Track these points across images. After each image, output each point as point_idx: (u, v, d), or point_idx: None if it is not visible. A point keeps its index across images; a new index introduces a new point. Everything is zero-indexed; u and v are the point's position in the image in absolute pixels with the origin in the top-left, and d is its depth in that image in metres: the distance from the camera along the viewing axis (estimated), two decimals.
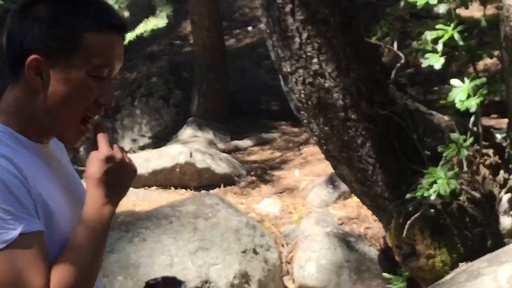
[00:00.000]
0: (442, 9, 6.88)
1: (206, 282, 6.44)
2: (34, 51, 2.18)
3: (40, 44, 2.19)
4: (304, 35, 5.88)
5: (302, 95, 5.91)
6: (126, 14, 13.14)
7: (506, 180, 6.26)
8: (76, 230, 2.25)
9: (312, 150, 10.50)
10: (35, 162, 2.28)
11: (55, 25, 2.21)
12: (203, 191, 8.51)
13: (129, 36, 11.61)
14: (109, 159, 2.21)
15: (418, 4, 6.20)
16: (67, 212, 2.30)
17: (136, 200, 8.43)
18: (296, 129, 12.37)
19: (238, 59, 14.70)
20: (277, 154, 11.40)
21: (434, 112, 6.70)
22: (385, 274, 6.76)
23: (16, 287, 2.16)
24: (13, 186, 2.16)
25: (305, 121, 6.17)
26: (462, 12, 6.87)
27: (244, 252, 6.94)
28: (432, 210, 6.11)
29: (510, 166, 6.25)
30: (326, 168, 8.05)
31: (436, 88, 11.36)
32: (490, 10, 7.78)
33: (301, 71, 5.89)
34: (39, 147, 2.34)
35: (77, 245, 2.21)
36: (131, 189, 2.35)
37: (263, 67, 14.09)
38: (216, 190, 9.22)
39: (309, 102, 5.89)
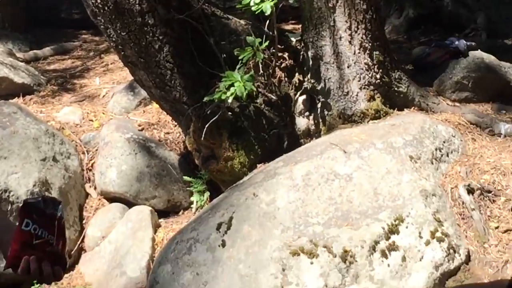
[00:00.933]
0: None
1: (5, 191, 6.22)
2: None
3: None
4: None
5: (99, 1, 5.69)
6: None
7: (301, 82, 6.39)
8: None
9: (113, 58, 10.36)
10: None
11: None
12: (1, 101, 8.16)
13: None
14: None
15: None
16: None
17: None
18: (97, 38, 12.17)
19: None
20: (78, 63, 11.14)
21: (230, 16, 6.68)
22: (186, 178, 6.77)
23: None
24: None
25: (102, 27, 5.98)
26: None
27: (43, 160, 6.75)
28: (230, 113, 6.14)
29: (305, 68, 6.37)
30: (127, 75, 7.95)
31: None
32: None
33: None
34: None
35: None
36: None
37: None
38: (15, 99, 8.87)
39: (106, 8, 5.70)
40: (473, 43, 7.34)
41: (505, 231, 5.34)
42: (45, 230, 2.67)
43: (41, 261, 2.67)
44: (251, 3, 5.80)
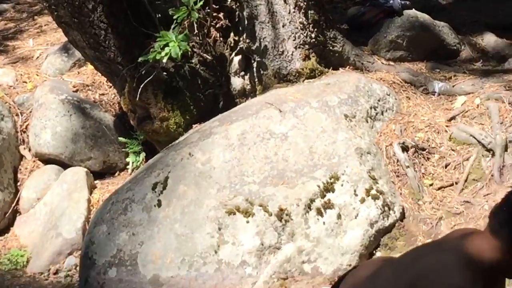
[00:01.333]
0: None
1: None
2: None
3: None
4: None
5: None
6: None
7: (236, 42, 6.35)
8: None
9: (47, 20, 10.15)
10: None
11: None
12: None
13: None
14: None
15: None
16: None
17: None
18: None
19: None
20: (11, 24, 10.90)
21: None
22: (121, 139, 6.74)
23: None
24: None
25: None
26: None
27: None
28: (165, 73, 6.11)
29: (240, 28, 6.32)
30: (61, 37, 7.82)
31: None
32: None
33: None
34: None
35: None
36: None
37: None
38: None
39: None
40: (408, 2, 7.37)
41: (439, 188, 5.42)
42: None
43: None
44: None
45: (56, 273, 5.77)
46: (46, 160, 6.93)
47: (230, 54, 6.39)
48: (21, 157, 7.03)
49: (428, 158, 5.65)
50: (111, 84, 6.89)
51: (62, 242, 5.90)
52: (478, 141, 5.60)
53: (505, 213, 2.82)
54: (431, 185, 5.45)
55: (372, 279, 3.18)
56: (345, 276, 3.46)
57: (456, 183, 5.42)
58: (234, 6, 6.41)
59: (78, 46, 6.31)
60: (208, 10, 6.17)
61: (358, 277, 3.30)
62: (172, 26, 5.98)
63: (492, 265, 2.80)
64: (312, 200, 5.16)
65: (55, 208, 6.32)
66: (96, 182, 6.65)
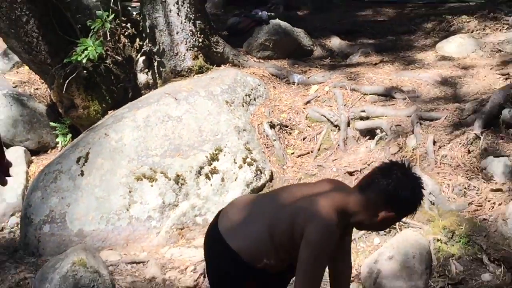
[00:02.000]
0: None
1: None
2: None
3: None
4: None
5: None
6: None
7: (141, 46, 6.43)
8: None
9: None
10: None
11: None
12: None
13: None
14: None
15: None
16: None
17: None
18: None
19: None
20: None
21: None
22: (52, 124, 6.60)
23: None
24: None
25: None
26: None
27: None
28: (85, 72, 6.14)
29: (144, 35, 6.37)
30: (1, 44, 7.57)
31: None
32: None
33: None
34: None
35: None
36: None
37: None
38: None
39: None
40: (273, 14, 7.39)
41: (299, 156, 5.48)
42: None
43: None
44: None
45: (1, 230, 5.63)
46: None
47: (136, 56, 6.42)
48: None
49: (290, 133, 5.69)
50: (43, 81, 6.78)
51: (6, 206, 5.77)
52: (327, 119, 5.65)
53: (369, 180, 2.87)
54: (292, 153, 5.48)
55: (250, 205, 3.12)
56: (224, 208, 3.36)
57: (312, 152, 5.46)
58: (138, 18, 6.43)
59: (16, 51, 6.29)
60: (118, 21, 6.22)
61: (236, 205, 3.24)
62: (90, 34, 6.00)
63: (351, 215, 2.86)
64: (201, 168, 5.19)
65: None
66: (32, 158, 6.49)
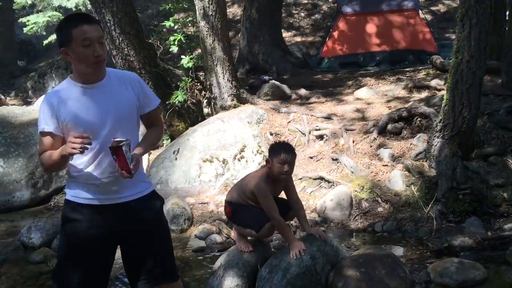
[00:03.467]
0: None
1: None
2: (61, 46, 1.99)
3: (61, 43, 1.99)
4: None
5: None
6: None
7: (205, 95, 6.18)
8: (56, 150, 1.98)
9: None
10: (76, 95, 2.01)
11: (60, 34, 1.99)
12: None
13: None
14: None
15: None
16: (86, 123, 1.98)
17: None
18: None
19: None
20: None
21: (177, 70, 6.53)
22: None
23: (38, 152, 2.06)
24: (48, 105, 1.99)
25: None
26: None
27: None
28: (177, 107, 5.92)
29: (206, 89, 6.12)
30: None
31: None
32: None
33: None
34: (85, 86, 2.02)
35: (53, 153, 2.00)
36: None
37: None
38: None
39: None
40: (271, 77, 7.37)
41: None
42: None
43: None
44: (184, 63, 5.85)
45: None
46: None
47: (203, 99, 6.30)
48: None
49: (280, 138, 5.43)
50: None
51: None
52: (299, 130, 5.46)
53: (269, 150, 2.96)
54: None
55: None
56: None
57: None
58: (202, 79, 6.37)
59: None
60: (193, 82, 6.19)
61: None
62: (179, 88, 5.98)
63: (270, 174, 2.90)
64: (236, 155, 5.10)
65: None
66: (150, 151, 6.08)
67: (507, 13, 5.93)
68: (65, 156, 1.93)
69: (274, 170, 2.86)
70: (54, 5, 9.44)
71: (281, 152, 2.85)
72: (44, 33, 9.80)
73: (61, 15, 9.69)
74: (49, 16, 9.49)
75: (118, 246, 2.15)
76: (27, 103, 8.82)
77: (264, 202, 2.87)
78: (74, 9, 9.61)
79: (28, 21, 9.59)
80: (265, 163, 2.96)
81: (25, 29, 9.77)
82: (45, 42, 9.85)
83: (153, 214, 2.15)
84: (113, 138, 1.97)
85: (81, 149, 1.88)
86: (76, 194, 2.05)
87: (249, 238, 3.09)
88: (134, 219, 2.07)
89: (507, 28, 5.89)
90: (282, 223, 2.90)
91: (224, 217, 4.00)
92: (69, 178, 2.09)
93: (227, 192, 3.36)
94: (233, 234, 3.61)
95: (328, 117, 5.73)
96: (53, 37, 9.85)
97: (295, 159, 2.92)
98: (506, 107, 4.97)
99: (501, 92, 5.54)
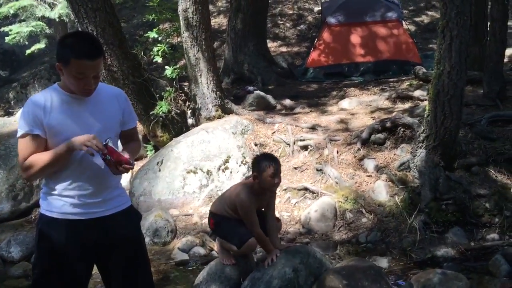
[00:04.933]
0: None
1: None
2: (57, 61, 1.97)
3: (58, 59, 1.97)
4: None
5: None
6: None
7: (189, 105, 6.13)
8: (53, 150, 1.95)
9: None
10: (63, 103, 1.99)
11: (60, 50, 1.96)
12: None
13: None
14: None
15: None
16: (70, 131, 1.95)
17: None
18: None
19: None
20: None
21: (161, 80, 6.45)
22: (145, 144, 6.22)
23: (20, 158, 1.99)
24: (34, 108, 1.96)
25: None
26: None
27: None
28: (161, 118, 5.88)
29: (190, 99, 6.08)
30: None
31: None
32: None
33: None
34: (73, 96, 2.00)
35: (45, 153, 1.96)
36: None
37: None
38: None
39: None
40: (256, 88, 7.28)
41: None
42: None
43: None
44: (168, 73, 5.81)
45: None
46: None
47: (187, 110, 6.26)
48: None
49: (265, 148, 5.43)
50: (140, 123, 6.36)
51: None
52: (284, 141, 5.45)
53: (255, 164, 2.96)
54: None
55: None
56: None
57: None
58: (187, 89, 6.30)
59: None
60: (177, 92, 6.14)
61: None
62: (163, 99, 5.90)
63: (257, 188, 2.90)
64: (220, 166, 5.08)
65: None
66: (134, 162, 6.16)
67: (488, 24, 6.03)
68: (71, 150, 1.92)
69: (265, 184, 2.88)
70: (37, 15, 9.35)
71: (270, 165, 2.85)
72: (27, 43, 9.68)
73: (44, 24, 9.59)
74: (32, 26, 9.38)
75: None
76: (9, 113, 8.66)
77: (245, 216, 2.87)
78: (57, 20, 9.51)
79: (10, 30, 9.47)
80: (252, 179, 2.93)
81: (7, 39, 9.64)
82: (28, 52, 9.73)
83: (131, 231, 2.13)
84: None
85: (96, 149, 1.89)
86: (51, 209, 2.02)
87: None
88: (111, 234, 2.04)
89: (488, 39, 5.98)
90: (262, 236, 2.91)
91: (208, 229, 3.98)
92: (45, 191, 2.04)
93: (211, 204, 3.34)
94: (216, 246, 3.57)
95: (313, 128, 5.71)
96: (36, 46, 9.75)
97: (280, 167, 2.94)
98: (487, 118, 5.05)
99: (483, 103, 5.64)
